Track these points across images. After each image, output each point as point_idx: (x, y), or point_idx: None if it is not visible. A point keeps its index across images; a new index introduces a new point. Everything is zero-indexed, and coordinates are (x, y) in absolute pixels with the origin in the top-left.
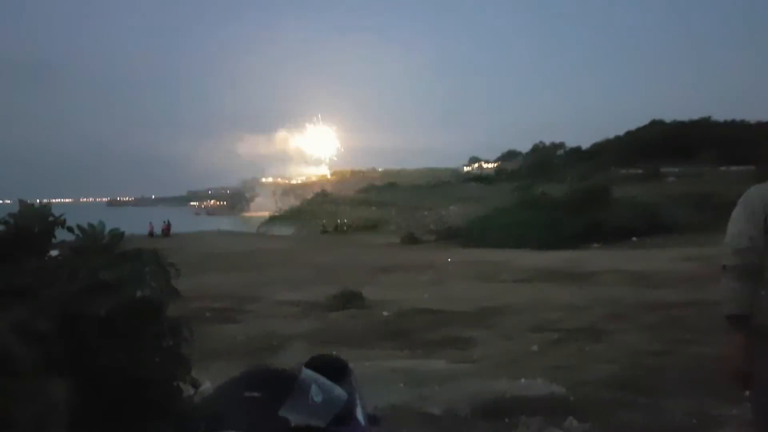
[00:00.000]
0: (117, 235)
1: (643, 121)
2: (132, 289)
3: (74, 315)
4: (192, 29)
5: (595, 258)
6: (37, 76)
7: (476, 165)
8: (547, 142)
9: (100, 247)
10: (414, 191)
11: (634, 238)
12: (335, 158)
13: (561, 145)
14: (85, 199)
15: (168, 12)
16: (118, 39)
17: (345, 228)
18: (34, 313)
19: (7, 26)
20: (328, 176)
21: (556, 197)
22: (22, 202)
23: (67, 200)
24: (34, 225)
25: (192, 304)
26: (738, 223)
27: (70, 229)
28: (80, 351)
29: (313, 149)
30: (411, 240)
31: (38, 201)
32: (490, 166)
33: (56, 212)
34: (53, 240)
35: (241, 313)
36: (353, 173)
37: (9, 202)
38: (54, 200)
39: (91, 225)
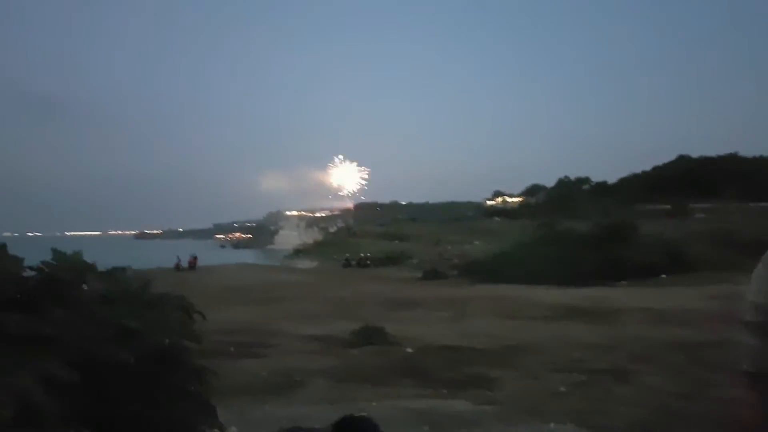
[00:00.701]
0: (145, 283)
1: (670, 156)
2: (157, 337)
3: (100, 363)
4: (217, 64)
5: (619, 295)
6: (67, 109)
7: (500, 199)
8: (572, 176)
9: (128, 293)
10: (437, 225)
11: (662, 276)
12: (358, 191)
13: (586, 180)
14: (113, 232)
15: (194, 47)
16: (147, 76)
17: (368, 262)
18: (59, 363)
19: (47, 60)
20: (352, 209)
21: (580, 233)
22: (55, 251)
23: (96, 233)
24: (65, 274)
25: (216, 337)
26: (760, 280)
27: (100, 273)
28: (105, 400)
29: (337, 182)
30: (433, 275)
31: (67, 233)
32: (514, 200)
33: (89, 243)
34: (83, 288)
35: (264, 348)
36: (376, 206)
37: (39, 234)
38: (83, 233)
39: (119, 269)
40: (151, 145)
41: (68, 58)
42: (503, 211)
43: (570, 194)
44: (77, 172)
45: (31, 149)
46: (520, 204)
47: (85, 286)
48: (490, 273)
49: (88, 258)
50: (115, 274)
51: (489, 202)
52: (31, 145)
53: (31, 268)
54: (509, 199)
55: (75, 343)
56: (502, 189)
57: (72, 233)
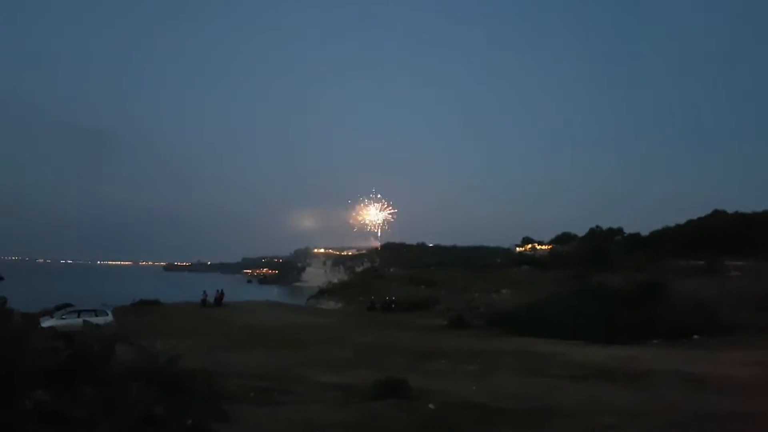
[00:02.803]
0: (173, 357)
1: (705, 210)
2: (182, 421)
3: None
4: (246, 103)
5: (651, 356)
6: (100, 142)
7: (529, 246)
8: (604, 226)
9: (156, 368)
10: (464, 271)
11: (695, 336)
12: (385, 232)
13: (618, 231)
14: (143, 263)
15: (224, 84)
16: (177, 110)
17: (392, 306)
18: None
19: (78, 93)
20: (378, 249)
21: (612, 287)
22: (86, 322)
23: (126, 263)
24: (94, 345)
25: (238, 381)
26: None
27: (128, 344)
28: None
29: (365, 222)
30: (459, 324)
31: (99, 263)
32: (544, 247)
33: (120, 273)
34: (113, 358)
35: (284, 395)
36: (403, 247)
37: (71, 262)
38: (114, 262)
39: (150, 346)
40: (184, 179)
41: (109, 93)
42: (532, 259)
43: (601, 245)
44: (111, 203)
45: (67, 180)
46: (550, 252)
47: (114, 355)
48: (519, 325)
49: (119, 289)
50: (144, 346)
51: (518, 249)
52: (68, 176)
53: (59, 307)
54: (539, 247)
55: (104, 426)
56: (532, 235)
57: (103, 262)
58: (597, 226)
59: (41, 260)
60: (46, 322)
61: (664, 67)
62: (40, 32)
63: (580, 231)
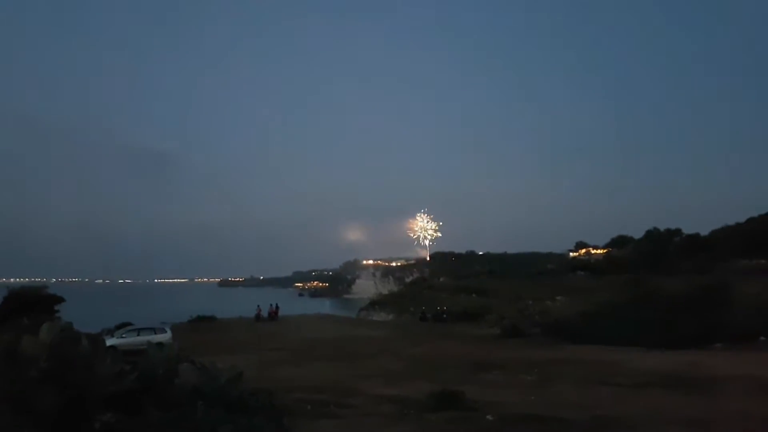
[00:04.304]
0: (235, 376)
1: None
2: None
3: None
4: (292, 119)
5: (716, 361)
6: (154, 164)
7: (583, 251)
8: (662, 227)
9: (219, 388)
10: (517, 279)
11: (762, 338)
12: (434, 241)
13: (677, 232)
14: (199, 279)
15: (273, 101)
16: (229, 131)
17: (444, 316)
18: None
19: (132, 116)
20: (427, 259)
21: (672, 291)
22: (150, 345)
23: (183, 280)
24: (158, 367)
25: (294, 395)
26: None
27: (192, 365)
28: None
29: (413, 233)
30: (514, 333)
31: (156, 281)
32: (599, 252)
33: (176, 290)
34: (177, 379)
35: (340, 408)
36: (452, 257)
37: (129, 281)
38: (171, 280)
39: (211, 365)
40: (236, 197)
41: (165, 117)
42: (587, 265)
43: (660, 248)
44: (166, 223)
45: (123, 202)
46: (606, 256)
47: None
48: (576, 333)
49: (176, 305)
50: (206, 366)
51: (572, 254)
52: (123, 198)
53: (119, 326)
54: (593, 251)
55: None
56: (586, 240)
57: (160, 280)
58: (654, 228)
59: (100, 281)
60: (108, 341)
61: (716, 67)
62: (104, 61)
63: (637, 233)
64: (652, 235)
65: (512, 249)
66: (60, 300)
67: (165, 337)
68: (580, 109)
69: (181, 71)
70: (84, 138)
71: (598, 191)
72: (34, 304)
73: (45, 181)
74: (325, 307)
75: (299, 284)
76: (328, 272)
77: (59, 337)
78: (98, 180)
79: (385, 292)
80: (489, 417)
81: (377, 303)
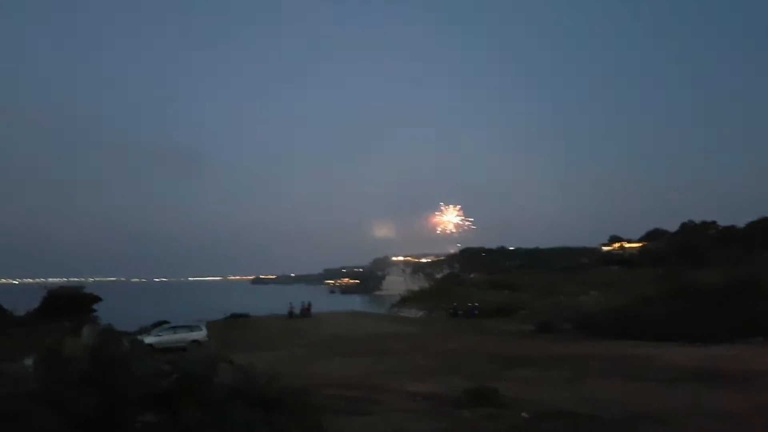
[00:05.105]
0: (272, 376)
1: None
2: None
3: None
4: (325, 117)
5: (754, 355)
6: (186, 163)
7: (617, 245)
8: (697, 220)
9: (256, 388)
10: (549, 274)
11: None
12: (464, 237)
13: (713, 225)
14: (232, 277)
15: (300, 98)
16: (260, 130)
17: (475, 312)
18: None
19: (167, 117)
20: (457, 255)
21: (708, 285)
22: (192, 344)
23: (216, 278)
24: (197, 367)
25: (327, 391)
26: None
27: (230, 364)
28: None
29: (442, 228)
30: (546, 328)
31: (190, 279)
32: (633, 246)
33: (210, 288)
34: (215, 379)
35: (373, 404)
36: (484, 252)
37: (165, 279)
38: (205, 278)
39: (250, 364)
40: (267, 195)
41: (197, 117)
42: (621, 259)
43: (695, 240)
44: (200, 222)
45: (158, 202)
46: (640, 250)
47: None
48: (610, 328)
49: (211, 303)
50: (244, 366)
51: (605, 248)
52: (158, 198)
53: (156, 324)
54: (627, 245)
55: None
56: (620, 234)
57: (195, 278)
58: (689, 221)
59: (136, 279)
60: (148, 339)
61: (754, 57)
62: (138, 65)
63: (672, 226)
64: (687, 227)
65: (544, 244)
66: (97, 299)
67: (201, 334)
68: (615, 98)
69: (212, 73)
70: (118, 138)
71: (631, 185)
72: (72, 303)
73: (80, 181)
74: (356, 303)
75: (330, 281)
76: (359, 269)
77: (100, 339)
78: (133, 180)
79: (415, 288)
80: (524, 414)
81: (408, 299)
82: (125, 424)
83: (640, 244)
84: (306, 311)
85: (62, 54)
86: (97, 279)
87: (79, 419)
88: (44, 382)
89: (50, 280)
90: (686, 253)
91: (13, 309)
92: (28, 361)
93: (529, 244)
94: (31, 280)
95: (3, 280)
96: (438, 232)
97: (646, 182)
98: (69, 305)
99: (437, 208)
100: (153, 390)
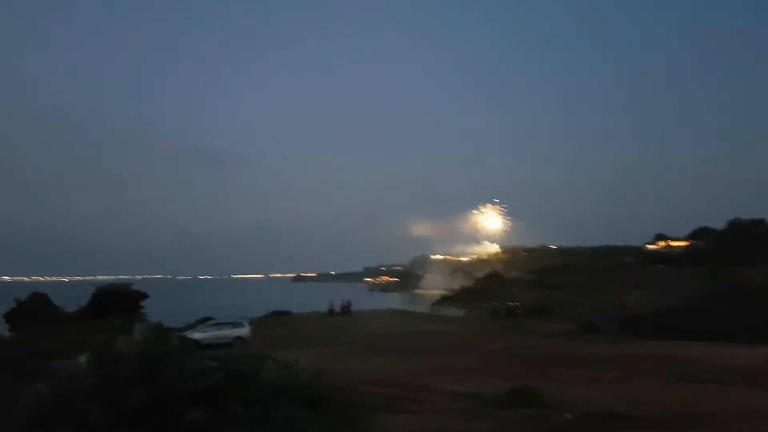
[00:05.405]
0: (316, 374)
1: None
2: None
3: None
4: (359, 115)
5: None
6: (230, 163)
7: (662, 243)
8: (745, 218)
9: (301, 385)
10: (592, 273)
11: None
12: (505, 235)
13: (761, 223)
14: (274, 275)
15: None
16: (299, 130)
17: (516, 312)
18: None
19: (208, 120)
20: (498, 254)
21: (756, 283)
22: (233, 340)
23: (258, 275)
24: (243, 365)
25: (368, 388)
26: None
27: (275, 363)
28: None
29: (483, 226)
30: (589, 329)
31: (234, 276)
32: (679, 244)
33: (253, 286)
34: (262, 376)
35: (414, 403)
36: (525, 251)
37: (210, 277)
38: (247, 275)
39: (294, 362)
40: (308, 194)
41: (238, 120)
42: (667, 258)
43: (743, 239)
44: (241, 220)
45: (200, 201)
46: (686, 249)
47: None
48: (655, 328)
49: (253, 300)
50: (289, 363)
51: (650, 247)
52: (201, 198)
53: (201, 320)
54: (673, 244)
55: None
56: (665, 232)
57: (238, 276)
58: (737, 218)
59: (182, 277)
60: (194, 335)
61: None
62: (174, 67)
63: (719, 224)
64: (735, 225)
65: (587, 242)
66: (144, 296)
67: (244, 331)
68: (652, 86)
69: (251, 77)
70: (159, 141)
71: (678, 182)
72: (121, 300)
73: (127, 183)
74: (395, 302)
75: (369, 279)
76: (398, 267)
77: (151, 337)
78: (177, 181)
79: (455, 287)
80: (567, 415)
81: (448, 298)
82: (174, 419)
83: (686, 243)
84: (346, 309)
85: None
86: (144, 276)
87: (131, 415)
88: (98, 378)
89: (99, 277)
90: (733, 251)
91: (64, 306)
92: (83, 359)
93: (571, 242)
94: (80, 278)
95: (54, 278)
96: (478, 230)
97: (692, 180)
98: (117, 302)
99: (478, 206)
100: (200, 386)
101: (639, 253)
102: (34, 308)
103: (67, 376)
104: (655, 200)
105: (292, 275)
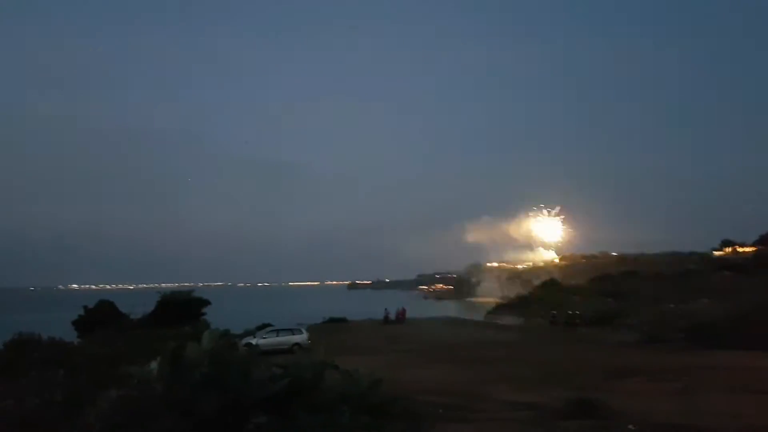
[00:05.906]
0: (375, 381)
1: None
2: None
3: None
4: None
5: None
6: (285, 174)
7: (729, 249)
8: None
9: (361, 393)
10: (656, 281)
11: None
12: (563, 242)
13: None
14: (329, 282)
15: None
16: (354, 138)
17: (576, 320)
18: None
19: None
20: (556, 262)
21: None
22: (296, 346)
23: (314, 283)
24: (306, 372)
25: (425, 397)
26: None
27: (336, 370)
28: None
29: (540, 233)
30: (654, 338)
31: (290, 284)
32: (746, 250)
33: (308, 293)
34: (323, 384)
35: (472, 413)
36: (584, 259)
37: (267, 284)
38: (303, 283)
39: (354, 371)
40: (363, 202)
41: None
42: (734, 264)
43: None
44: (299, 229)
45: (259, 211)
46: (755, 255)
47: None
48: (723, 338)
49: (310, 307)
50: (349, 371)
51: (716, 253)
52: (259, 207)
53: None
54: (741, 249)
55: None
56: (732, 237)
57: (294, 283)
58: None
59: (241, 284)
60: (253, 341)
61: None
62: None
63: None
64: None
65: (649, 249)
66: (206, 303)
67: (302, 337)
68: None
69: (299, 87)
70: (213, 150)
71: (744, 186)
72: (184, 307)
73: (189, 193)
74: (450, 309)
75: (423, 287)
76: (452, 275)
77: (219, 344)
78: (237, 192)
79: (511, 295)
80: (631, 427)
81: (504, 306)
82: (240, 425)
83: (754, 249)
84: (401, 317)
85: (160, 70)
86: (205, 284)
87: (199, 420)
88: (168, 384)
89: (163, 285)
90: None
91: (130, 312)
92: (153, 365)
93: (633, 249)
94: (145, 285)
95: (119, 286)
96: (533, 237)
97: (760, 184)
98: (181, 309)
99: (537, 213)
100: (266, 393)
101: (704, 259)
102: (101, 315)
103: (138, 382)
104: (723, 205)
105: (347, 283)
